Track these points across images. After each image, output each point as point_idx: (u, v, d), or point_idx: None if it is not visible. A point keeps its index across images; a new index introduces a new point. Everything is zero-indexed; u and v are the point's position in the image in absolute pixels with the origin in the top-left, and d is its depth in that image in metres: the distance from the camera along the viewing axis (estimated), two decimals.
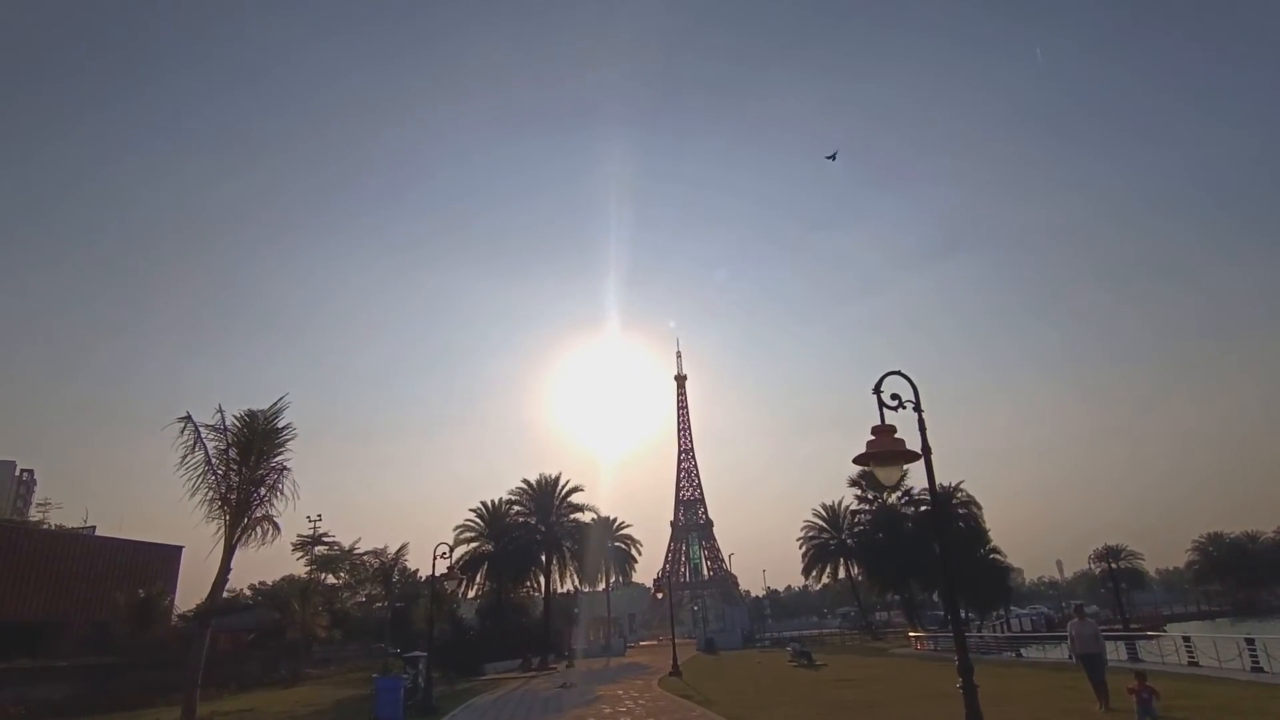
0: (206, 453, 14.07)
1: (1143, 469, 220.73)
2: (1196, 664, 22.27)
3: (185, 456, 13.74)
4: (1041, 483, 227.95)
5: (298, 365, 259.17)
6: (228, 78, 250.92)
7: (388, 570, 49.69)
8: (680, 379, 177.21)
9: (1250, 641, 20.40)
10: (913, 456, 7.96)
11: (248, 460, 14.09)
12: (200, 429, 13.96)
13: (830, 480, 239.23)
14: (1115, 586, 49.91)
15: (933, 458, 8.16)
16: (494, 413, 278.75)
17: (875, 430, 7.99)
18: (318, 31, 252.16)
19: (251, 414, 14.57)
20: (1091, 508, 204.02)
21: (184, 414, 13.45)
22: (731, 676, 29.63)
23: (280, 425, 14.64)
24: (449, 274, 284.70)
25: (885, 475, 8.04)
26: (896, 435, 7.93)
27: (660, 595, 43.04)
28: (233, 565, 13.69)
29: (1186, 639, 23.65)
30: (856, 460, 8.02)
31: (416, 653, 22.91)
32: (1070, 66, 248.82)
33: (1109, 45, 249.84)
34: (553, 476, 49.45)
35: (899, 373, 8.58)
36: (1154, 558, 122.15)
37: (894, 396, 8.35)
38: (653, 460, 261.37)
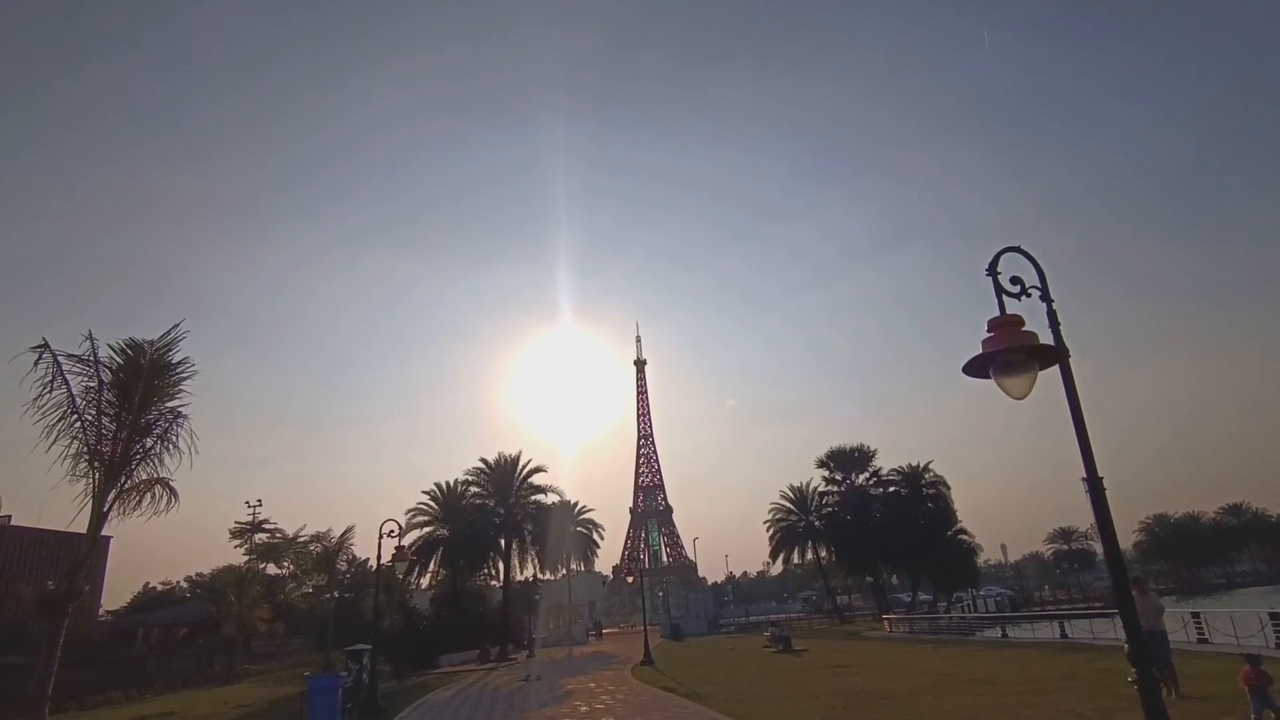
0: (70, 390, 10.85)
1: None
2: (1207, 640, 20.93)
3: (39, 396, 10.55)
4: (987, 469, 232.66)
5: (248, 356, 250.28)
6: (164, 61, 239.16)
7: (331, 557, 46.08)
8: (640, 363, 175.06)
9: (1276, 616, 18.99)
10: (1052, 355, 5.51)
11: (128, 403, 10.98)
12: (61, 360, 10.74)
13: (788, 467, 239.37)
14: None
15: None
16: (451, 403, 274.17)
17: (994, 324, 5.54)
18: (258, 14, 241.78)
19: (135, 344, 11.35)
20: (1035, 493, 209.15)
21: (40, 340, 10.38)
22: (709, 664, 27.46)
23: (174, 360, 11.51)
24: (403, 265, 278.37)
25: (1014, 385, 5.52)
26: (1025, 329, 5.54)
27: (631, 579, 40.68)
28: (103, 534, 10.63)
29: (1195, 615, 22.21)
30: (968, 368, 5.55)
31: (360, 646, 20.05)
32: (1013, 61, 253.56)
33: (1051, 40, 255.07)
34: (512, 456, 46.46)
35: (1018, 249, 6.24)
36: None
37: (1014, 280, 6.00)
38: (610, 450, 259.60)
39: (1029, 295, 5.99)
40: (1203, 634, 21.45)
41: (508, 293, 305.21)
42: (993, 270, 6.03)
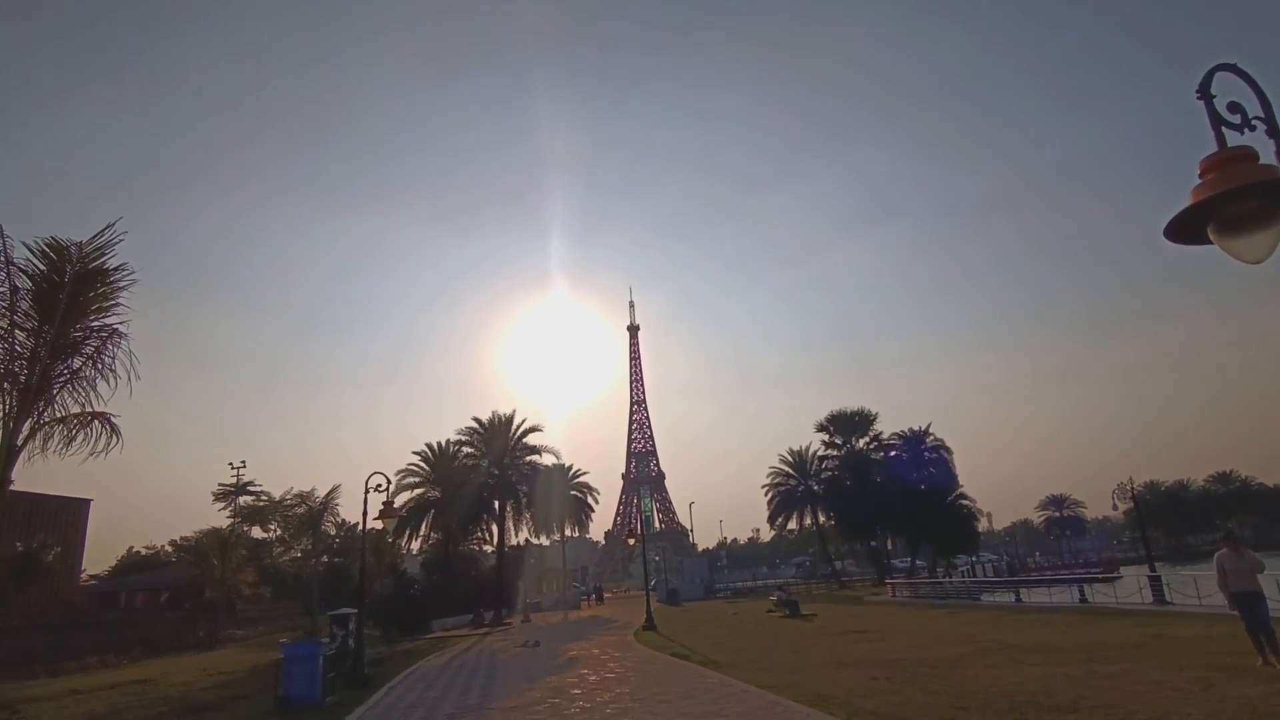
0: None
1: (1075, 425, 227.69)
2: None
3: None
4: (977, 439, 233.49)
5: (242, 322, 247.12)
6: (156, 22, 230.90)
7: (316, 518, 44.37)
8: (633, 329, 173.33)
9: None
10: None
11: (51, 315, 8.94)
12: None
13: (778, 435, 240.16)
14: (1141, 525, 47.66)
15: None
16: (444, 369, 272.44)
17: (1212, 163, 3.68)
18: None
19: (58, 245, 9.17)
20: (1025, 462, 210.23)
21: None
22: (714, 630, 26.17)
23: (109, 265, 9.38)
24: (396, 231, 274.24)
25: (1247, 246, 3.66)
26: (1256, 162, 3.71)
27: (633, 541, 39.44)
28: (13, 478, 8.74)
29: None
30: (1174, 228, 3.71)
31: (345, 610, 18.49)
32: (1004, 30, 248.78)
33: (1041, 9, 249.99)
34: (506, 415, 44.66)
35: (1233, 67, 4.42)
36: (1092, 507, 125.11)
37: (1233, 108, 4.17)
38: (601, 417, 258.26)
39: (1252, 128, 4.20)
40: None
41: (501, 260, 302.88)
42: (1205, 91, 4.19)
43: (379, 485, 17.45)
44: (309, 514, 43.47)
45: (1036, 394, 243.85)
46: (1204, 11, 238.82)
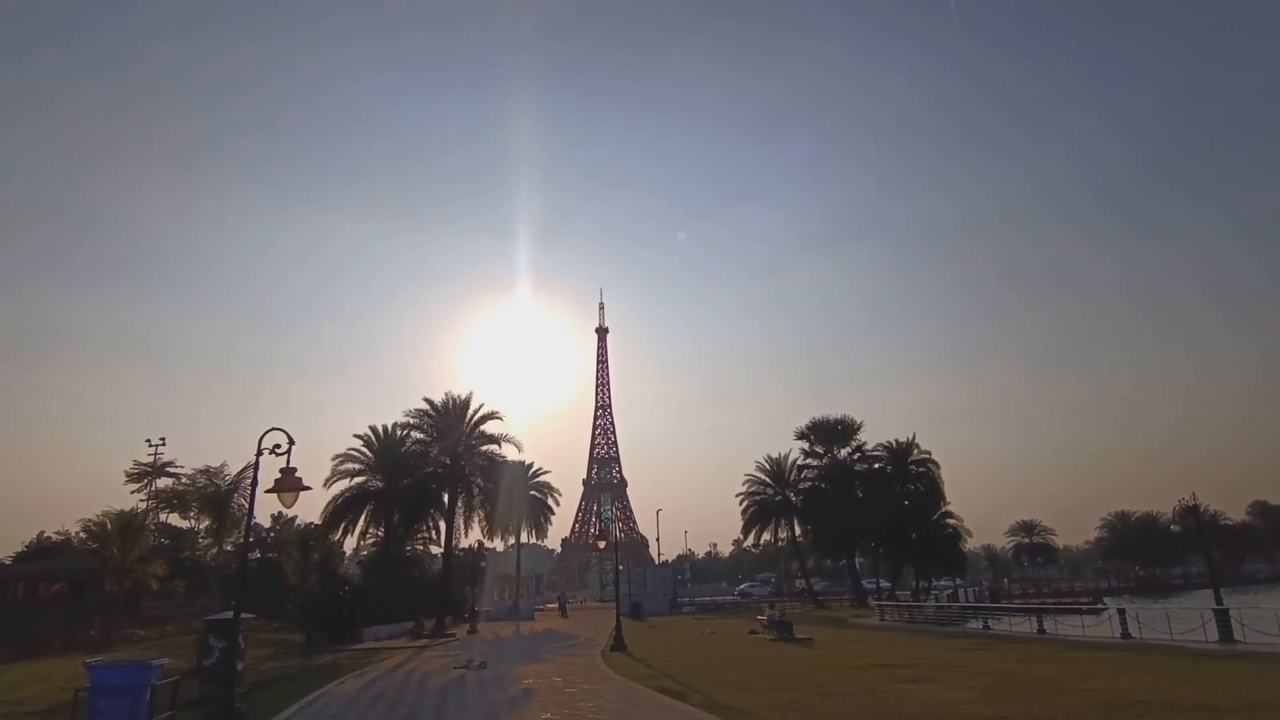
0: None
1: (1031, 454, 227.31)
2: None
3: None
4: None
5: (188, 308, 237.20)
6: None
7: (223, 497, 38.78)
8: (602, 331, 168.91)
9: None
10: None
11: None
12: None
13: (742, 451, 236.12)
14: (1206, 547, 43.96)
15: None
16: (400, 367, 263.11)
17: None
18: None
19: None
20: (983, 489, 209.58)
21: None
22: (699, 654, 21.88)
23: None
24: (354, 225, 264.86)
25: None
26: None
27: (604, 544, 34.93)
28: None
29: None
30: None
31: (223, 614, 13.78)
32: (970, 58, 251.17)
33: (1005, 40, 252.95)
34: (462, 398, 39.70)
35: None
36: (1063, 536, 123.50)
37: None
38: (562, 423, 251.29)
39: None
40: None
41: (463, 259, 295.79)
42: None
43: (277, 447, 12.82)
44: (217, 493, 37.85)
45: (987, 420, 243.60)
46: (1159, 52, 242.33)
